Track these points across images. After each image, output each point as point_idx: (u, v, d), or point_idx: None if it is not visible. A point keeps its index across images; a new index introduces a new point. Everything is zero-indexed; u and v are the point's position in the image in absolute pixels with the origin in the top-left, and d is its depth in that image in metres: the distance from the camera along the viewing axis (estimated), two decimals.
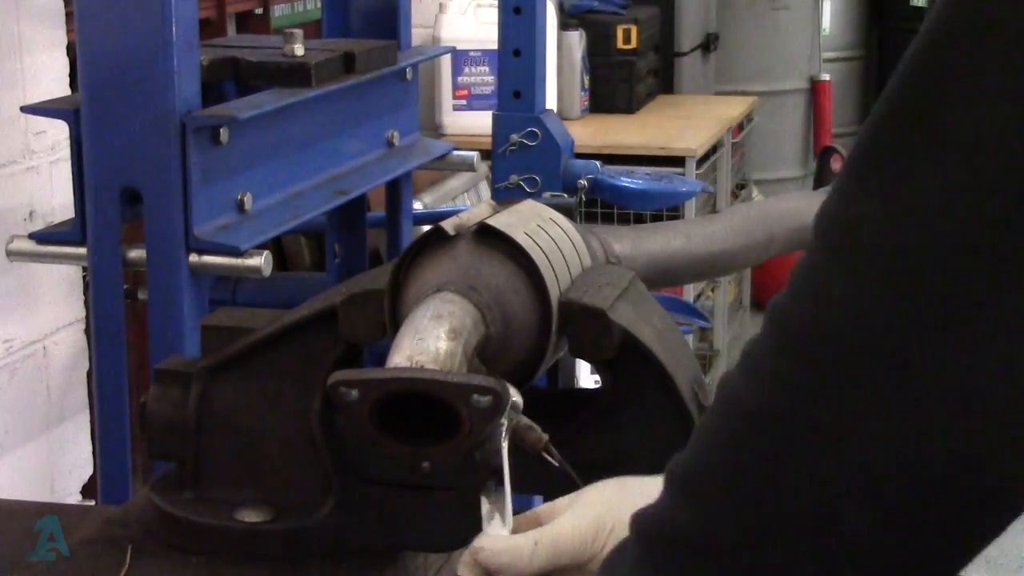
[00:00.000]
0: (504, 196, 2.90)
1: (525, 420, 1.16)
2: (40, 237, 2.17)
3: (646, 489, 1.02)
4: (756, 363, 0.80)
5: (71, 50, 2.66)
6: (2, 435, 2.68)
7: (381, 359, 1.19)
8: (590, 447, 1.30)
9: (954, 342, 0.74)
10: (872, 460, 0.75)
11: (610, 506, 1.11)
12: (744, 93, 6.06)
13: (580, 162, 3.03)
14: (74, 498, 2.89)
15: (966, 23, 0.73)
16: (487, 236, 1.26)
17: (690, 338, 4.71)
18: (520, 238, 1.26)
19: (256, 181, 2.17)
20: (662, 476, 0.87)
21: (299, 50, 2.29)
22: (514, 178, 2.96)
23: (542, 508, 1.17)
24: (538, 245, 1.28)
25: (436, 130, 4.75)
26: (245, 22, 4.04)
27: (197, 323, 1.66)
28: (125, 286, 2.13)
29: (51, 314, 2.79)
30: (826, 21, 6.80)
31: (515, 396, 1.16)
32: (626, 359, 1.28)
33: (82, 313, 2.84)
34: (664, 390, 1.28)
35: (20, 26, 2.65)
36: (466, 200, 4.34)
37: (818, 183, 6.44)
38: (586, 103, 5.05)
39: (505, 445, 1.15)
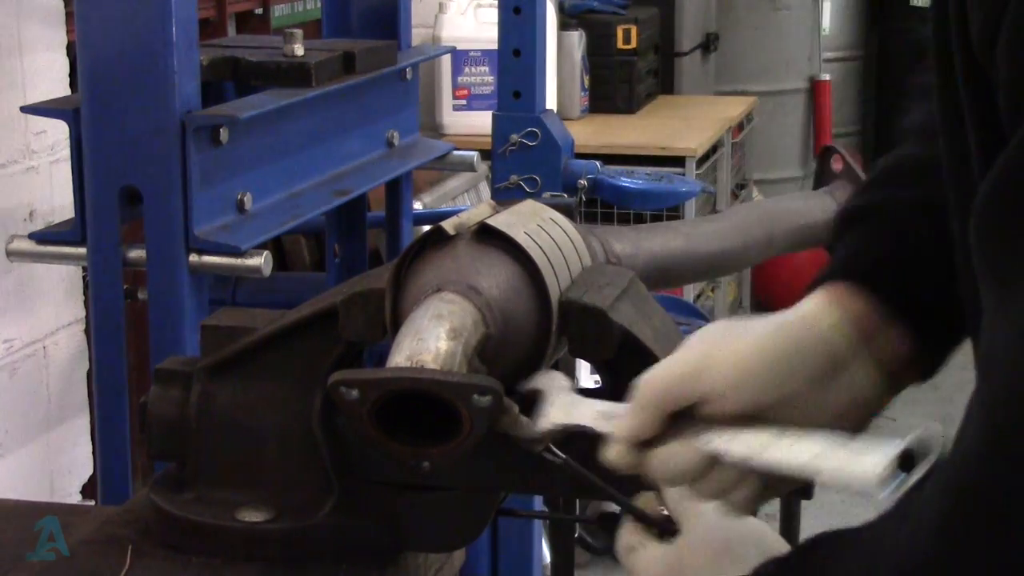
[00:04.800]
0: (504, 196, 2.90)
1: (526, 421, 1.16)
2: (40, 237, 2.17)
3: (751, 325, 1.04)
4: None
5: (71, 50, 2.66)
6: (2, 435, 2.68)
7: (381, 359, 1.19)
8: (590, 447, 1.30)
9: None
10: None
11: (715, 342, 1.06)
12: (744, 93, 6.06)
13: (580, 162, 3.03)
14: (74, 498, 2.89)
15: None
16: (487, 236, 1.26)
17: None
18: (520, 238, 1.26)
19: (256, 181, 2.17)
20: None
21: (299, 50, 2.29)
22: (514, 178, 2.95)
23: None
24: (538, 245, 1.27)
25: (436, 130, 4.75)
26: (245, 22, 4.04)
27: (197, 323, 1.66)
28: (125, 286, 2.13)
29: (51, 314, 2.79)
30: (826, 21, 6.80)
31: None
32: (626, 359, 1.28)
33: (82, 313, 2.84)
34: None
35: (20, 26, 2.65)
36: (466, 200, 4.34)
37: (818, 183, 6.44)
38: (586, 103, 5.05)
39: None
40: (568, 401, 1.18)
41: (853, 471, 0.97)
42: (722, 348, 1.05)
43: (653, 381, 1.06)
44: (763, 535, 1.09)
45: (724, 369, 1.03)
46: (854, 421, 1.06)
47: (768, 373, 1.04)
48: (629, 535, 1.14)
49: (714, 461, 1.04)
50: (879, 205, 1.12)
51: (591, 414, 1.15)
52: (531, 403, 1.18)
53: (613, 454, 1.08)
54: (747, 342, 1.04)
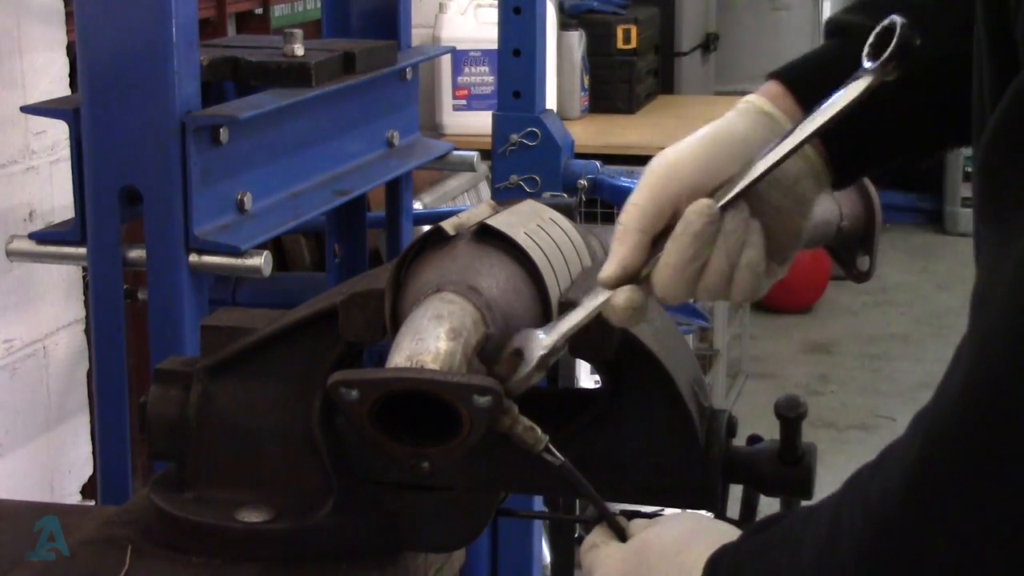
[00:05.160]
0: (504, 196, 2.90)
1: (526, 421, 1.16)
2: (40, 237, 2.17)
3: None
4: None
5: (71, 50, 2.66)
6: (2, 435, 2.68)
7: (381, 359, 1.19)
8: (590, 447, 1.30)
9: None
10: None
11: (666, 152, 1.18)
12: (744, 93, 6.02)
13: (580, 162, 3.03)
14: (74, 498, 2.89)
15: None
16: (487, 236, 1.26)
17: (690, 338, 4.70)
18: (520, 238, 1.26)
19: (256, 181, 2.17)
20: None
21: (299, 50, 2.29)
22: (514, 178, 2.95)
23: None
24: (538, 245, 1.27)
25: (436, 130, 4.75)
26: (245, 22, 4.04)
27: (197, 323, 1.66)
28: (125, 286, 2.13)
29: (51, 314, 2.79)
30: None
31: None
32: (626, 359, 1.28)
33: (82, 313, 2.84)
34: (664, 390, 1.28)
35: (20, 26, 2.65)
36: (466, 200, 4.34)
37: None
38: (586, 103, 5.05)
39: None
40: (552, 324, 1.17)
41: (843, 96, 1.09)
42: (678, 152, 1.16)
43: (627, 208, 1.13)
44: (728, 530, 1.09)
45: (689, 161, 1.15)
46: (795, 197, 1.17)
47: (729, 147, 1.16)
48: (595, 536, 1.17)
49: (714, 230, 1.11)
50: (839, 22, 1.23)
51: (578, 313, 1.16)
52: (518, 357, 1.17)
53: (620, 299, 1.12)
54: (698, 136, 1.18)
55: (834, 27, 1.23)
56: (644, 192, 1.14)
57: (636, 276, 1.13)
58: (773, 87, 1.21)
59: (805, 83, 1.20)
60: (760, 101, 1.20)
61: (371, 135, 2.56)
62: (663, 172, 1.14)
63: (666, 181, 1.14)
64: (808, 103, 1.15)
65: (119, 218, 2.06)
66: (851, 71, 1.11)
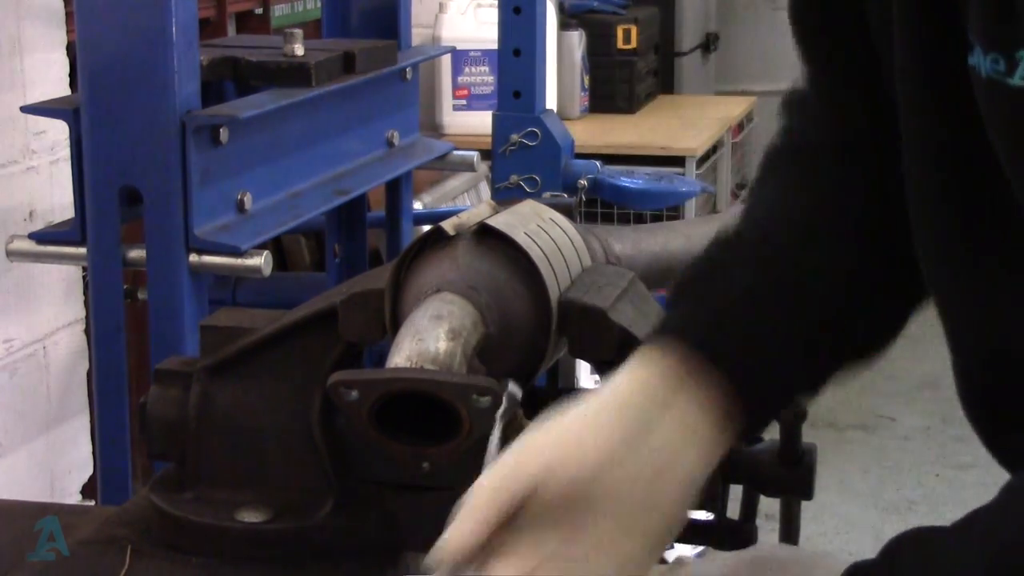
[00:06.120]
0: (504, 196, 2.90)
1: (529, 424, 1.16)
2: (40, 237, 2.17)
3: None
4: None
5: (71, 50, 2.67)
6: (2, 435, 2.68)
7: (381, 359, 1.19)
8: None
9: None
10: None
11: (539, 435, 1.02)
12: (744, 93, 6.06)
13: (580, 162, 3.03)
14: (74, 498, 2.89)
15: None
16: (487, 236, 1.26)
17: None
18: (520, 238, 1.26)
19: (256, 181, 2.17)
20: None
21: (299, 50, 2.29)
22: (514, 178, 2.96)
23: None
24: (538, 245, 1.27)
25: (436, 130, 4.75)
26: (245, 22, 4.04)
27: (197, 323, 1.66)
28: (125, 286, 2.13)
29: (51, 314, 2.79)
30: None
31: (512, 388, 1.14)
32: (626, 359, 1.27)
33: (82, 313, 2.84)
34: None
35: (20, 26, 2.65)
36: (466, 200, 4.34)
37: None
38: (586, 103, 5.05)
39: (496, 437, 1.08)
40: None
41: None
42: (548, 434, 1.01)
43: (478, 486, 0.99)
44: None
45: (551, 447, 1.00)
46: (673, 482, 1.01)
47: (592, 439, 1.00)
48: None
49: None
50: (701, 274, 1.12)
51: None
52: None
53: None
54: (569, 417, 1.02)
55: (679, 290, 1.12)
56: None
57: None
58: (653, 353, 1.07)
59: (690, 334, 1.07)
60: (641, 373, 1.06)
61: (371, 135, 2.56)
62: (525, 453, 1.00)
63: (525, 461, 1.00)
64: (699, 347, 1.04)
65: (119, 218, 2.07)
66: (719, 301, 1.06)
